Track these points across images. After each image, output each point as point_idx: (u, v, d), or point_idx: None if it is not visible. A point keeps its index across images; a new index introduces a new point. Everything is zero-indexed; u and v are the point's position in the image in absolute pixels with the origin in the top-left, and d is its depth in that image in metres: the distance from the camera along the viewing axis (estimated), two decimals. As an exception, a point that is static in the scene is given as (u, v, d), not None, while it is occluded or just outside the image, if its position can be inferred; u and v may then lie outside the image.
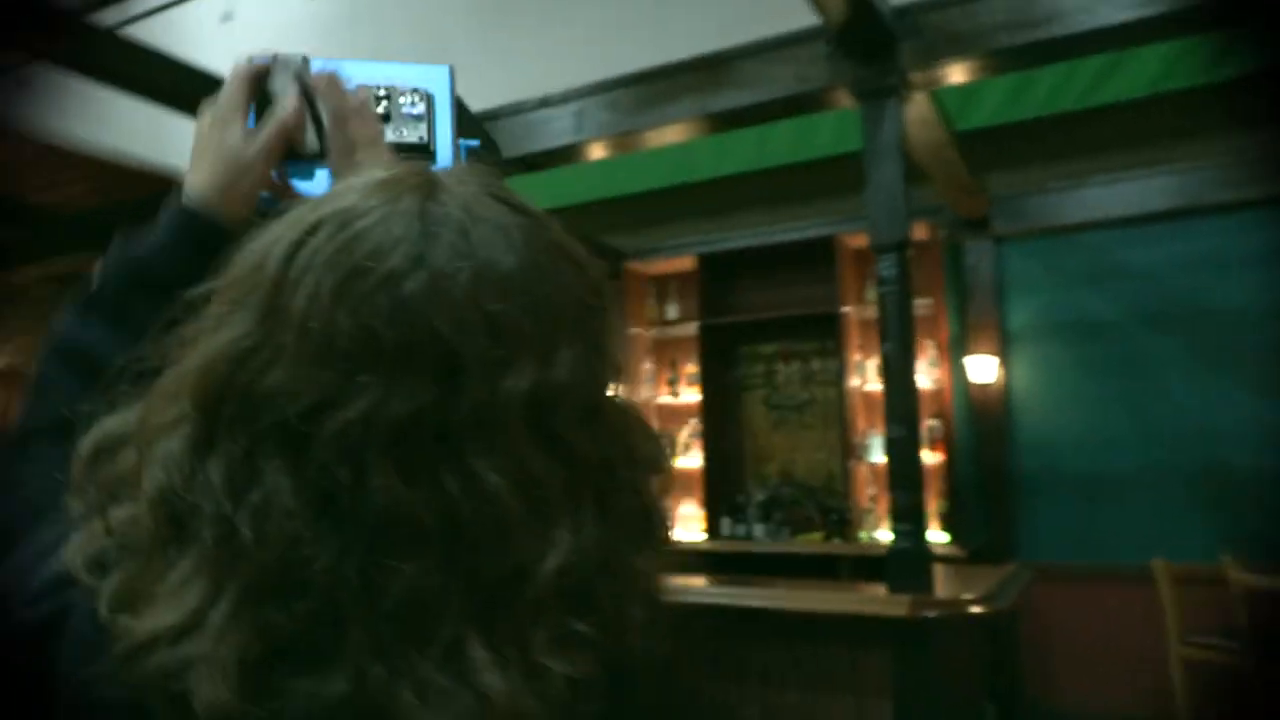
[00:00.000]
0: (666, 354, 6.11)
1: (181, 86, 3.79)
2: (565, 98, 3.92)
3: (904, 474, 3.14)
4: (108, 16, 5.60)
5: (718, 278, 5.87)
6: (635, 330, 6.02)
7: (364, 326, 0.44)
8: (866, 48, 3.25)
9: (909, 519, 3.10)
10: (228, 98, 0.78)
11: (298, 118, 0.79)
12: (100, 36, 4.09)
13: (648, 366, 6.03)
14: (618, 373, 0.56)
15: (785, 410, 5.80)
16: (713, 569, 5.43)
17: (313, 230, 0.48)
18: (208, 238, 0.71)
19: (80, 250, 5.59)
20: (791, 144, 5.26)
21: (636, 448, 0.55)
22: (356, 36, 5.00)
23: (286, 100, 0.79)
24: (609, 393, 0.54)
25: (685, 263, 5.93)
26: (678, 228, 6.05)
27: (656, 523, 0.55)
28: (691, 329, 5.83)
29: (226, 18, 5.24)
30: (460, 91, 0.96)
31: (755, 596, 3.24)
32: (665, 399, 6.01)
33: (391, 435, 0.43)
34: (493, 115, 4.12)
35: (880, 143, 3.26)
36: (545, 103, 3.95)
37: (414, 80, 1.02)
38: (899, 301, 3.19)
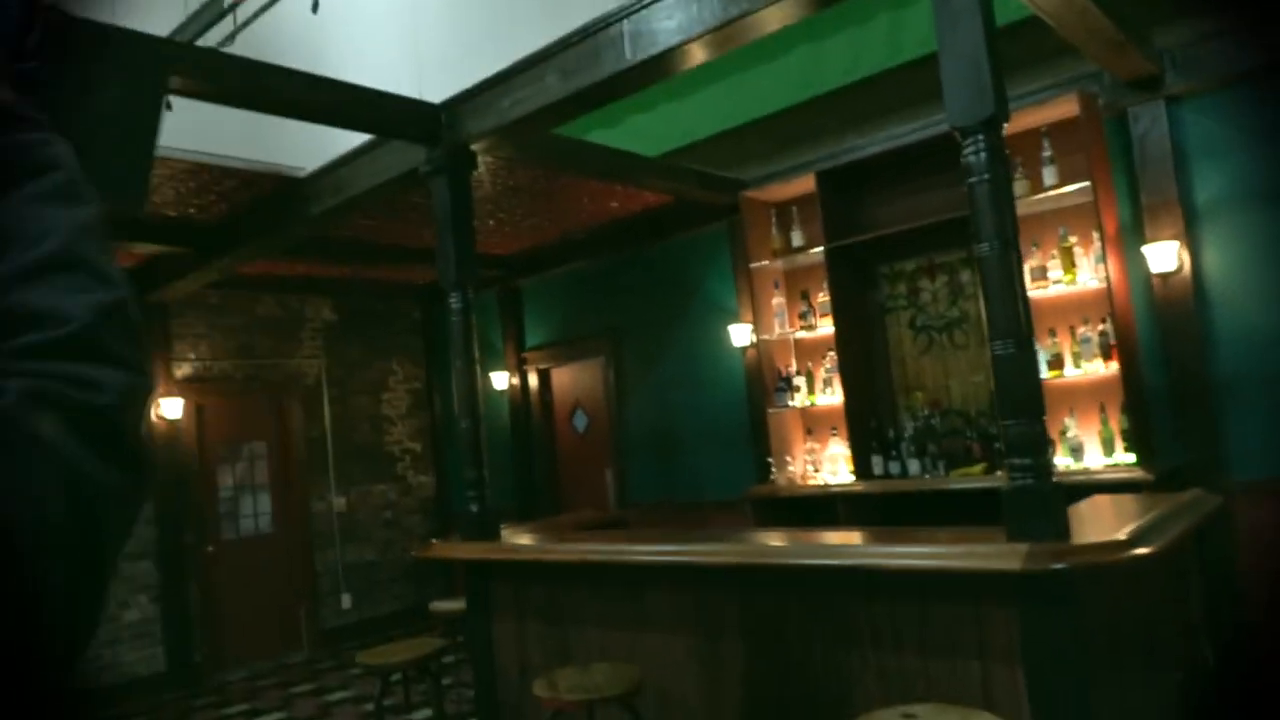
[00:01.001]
0: (797, 284, 5.63)
1: (283, 92, 3.80)
2: (613, 17, 3.56)
3: (1016, 398, 2.60)
4: (211, 35, 5.86)
5: (841, 194, 5.32)
6: (760, 263, 5.59)
7: None
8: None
9: (1025, 451, 2.57)
10: None
11: None
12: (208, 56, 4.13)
13: (778, 301, 5.60)
14: None
15: (933, 331, 5.18)
16: (862, 514, 4.99)
17: None
18: None
19: (223, 254, 5.91)
20: (929, 32, 4.58)
21: None
22: (458, 15, 4.84)
23: None
24: None
25: (803, 185, 5.41)
26: (799, 149, 5.53)
27: None
28: (819, 254, 5.32)
29: (316, 7, 5.28)
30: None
31: (840, 554, 2.84)
32: (800, 334, 5.56)
33: None
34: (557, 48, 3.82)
35: (952, 1, 2.68)
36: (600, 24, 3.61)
37: None
38: (993, 193, 2.63)
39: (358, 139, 4.87)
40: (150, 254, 6.30)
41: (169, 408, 6.82)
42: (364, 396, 8.26)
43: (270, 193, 5.40)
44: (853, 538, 3.19)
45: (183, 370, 7.06)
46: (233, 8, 6.02)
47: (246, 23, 5.86)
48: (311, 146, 5.24)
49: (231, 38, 5.93)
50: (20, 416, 0.56)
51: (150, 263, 6.52)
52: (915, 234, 5.06)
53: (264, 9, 5.81)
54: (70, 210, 0.68)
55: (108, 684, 6.38)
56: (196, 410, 7.13)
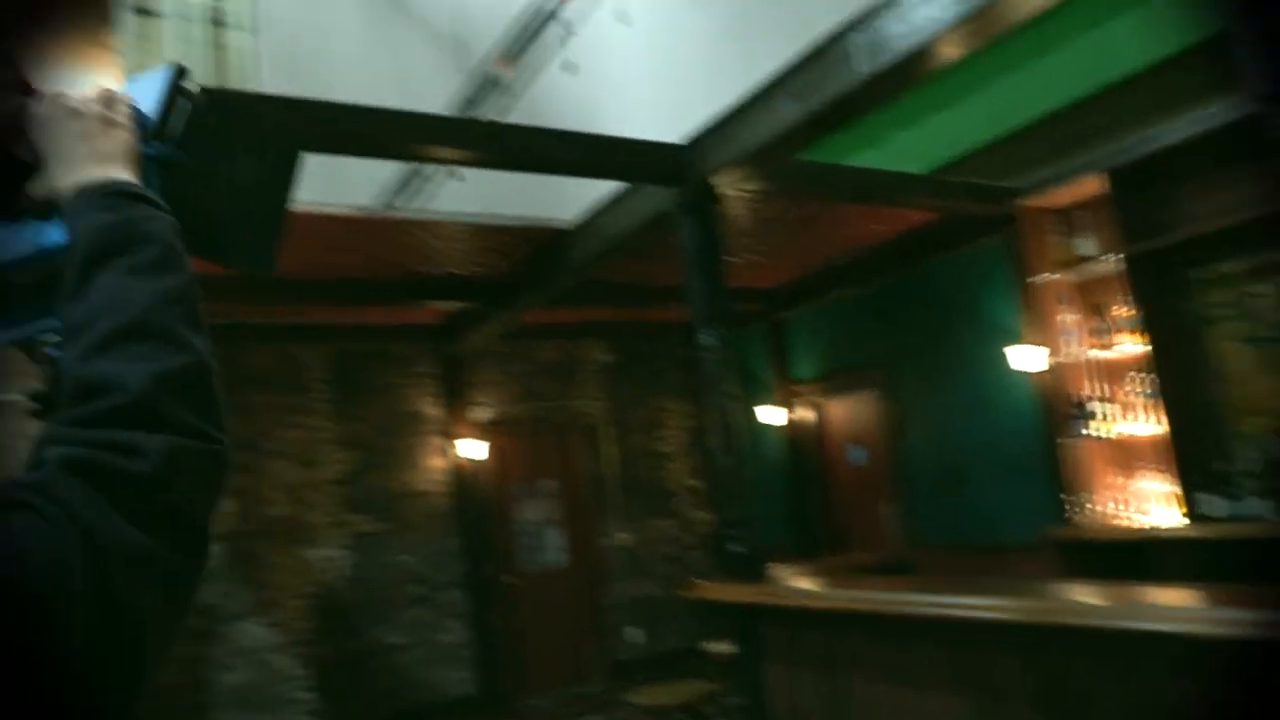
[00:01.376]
0: (1088, 298, 5.01)
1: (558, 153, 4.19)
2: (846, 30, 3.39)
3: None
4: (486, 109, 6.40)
5: (1138, 192, 4.67)
6: (1042, 277, 5.04)
7: None
8: None
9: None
10: None
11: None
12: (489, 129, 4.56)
13: (1067, 317, 5.01)
14: None
15: (1272, 343, 4.36)
16: (1191, 563, 4.27)
17: None
18: None
19: (507, 306, 6.37)
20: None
21: None
22: (708, 53, 4.92)
23: None
24: None
25: (1090, 186, 4.82)
26: (1080, 148, 4.95)
27: None
28: (1115, 263, 4.70)
29: (568, 68, 5.58)
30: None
31: (1139, 615, 2.40)
32: (1096, 353, 4.92)
33: None
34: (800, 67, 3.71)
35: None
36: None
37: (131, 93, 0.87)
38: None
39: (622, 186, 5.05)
40: (449, 310, 6.97)
41: (469, 449, 7.46)
42: (641, 435, 8.51)
43: (542, 245, 5.75)
44: (1162, 595, 2.71)
45: (479, 415, 7.70)
46: (500, 80, 6.53)
47: (519, 91, 6.34)
48: (583, 197, 5.53)
49: (508, 108, 6.44)
50: (51, 484, 0.57)
51: (450, 319, 7.21)
52: (1235, 231, 4.31)
53: (535, 75, 6.24)
54: (156, 281, 0.70)
55: (425, 701, 7.02)
56: (493, 451, 7.72)
